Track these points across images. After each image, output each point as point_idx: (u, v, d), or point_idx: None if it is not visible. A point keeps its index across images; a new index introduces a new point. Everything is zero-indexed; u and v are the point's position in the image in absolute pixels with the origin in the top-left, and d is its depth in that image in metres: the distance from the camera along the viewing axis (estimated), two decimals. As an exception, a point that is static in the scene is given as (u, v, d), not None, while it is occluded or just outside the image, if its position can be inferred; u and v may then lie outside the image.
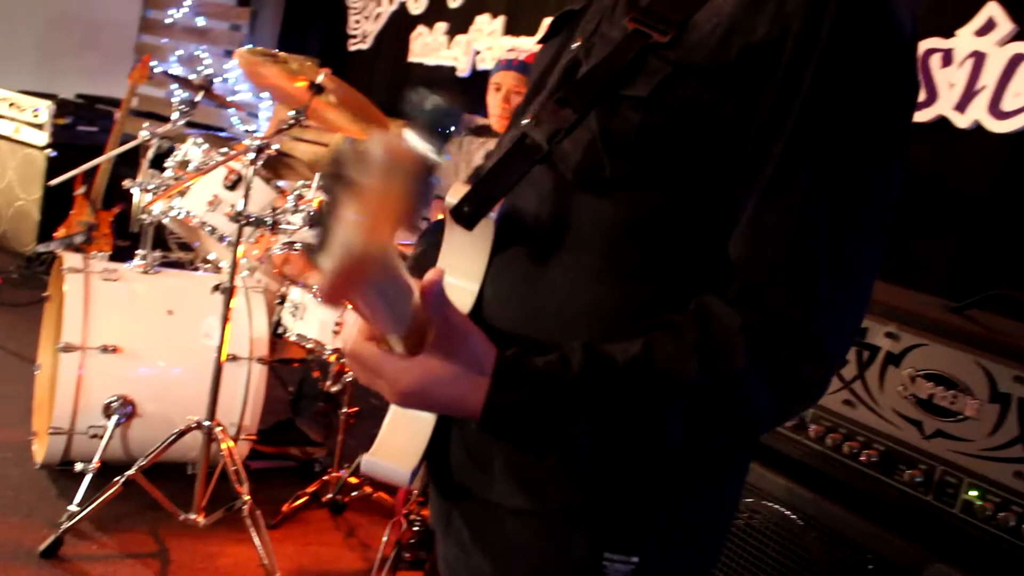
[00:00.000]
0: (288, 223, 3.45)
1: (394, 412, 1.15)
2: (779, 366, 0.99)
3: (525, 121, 1.18)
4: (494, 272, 1.17)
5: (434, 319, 0.95)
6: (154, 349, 3.56)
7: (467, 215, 1.12)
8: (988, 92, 3.04)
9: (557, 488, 1.12)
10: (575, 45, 1.21)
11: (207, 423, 3.20)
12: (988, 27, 3.06)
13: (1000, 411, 1.74)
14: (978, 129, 3.05)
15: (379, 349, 0.99)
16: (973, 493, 1.76)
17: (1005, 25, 3.01)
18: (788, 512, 2.02)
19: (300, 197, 3.51)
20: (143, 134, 3.89)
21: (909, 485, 1.86)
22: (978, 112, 3.05)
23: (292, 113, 3.45)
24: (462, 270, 1.17)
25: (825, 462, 2.03)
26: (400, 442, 1.13)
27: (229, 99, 4.64)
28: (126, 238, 5.68)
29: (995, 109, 3.01)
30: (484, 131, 4.74)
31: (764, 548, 2.05)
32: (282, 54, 3.57)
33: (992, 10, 3.05)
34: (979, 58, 3.06)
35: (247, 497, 3.18)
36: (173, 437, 3.25)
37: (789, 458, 2.10)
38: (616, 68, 1.07)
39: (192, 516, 3.19)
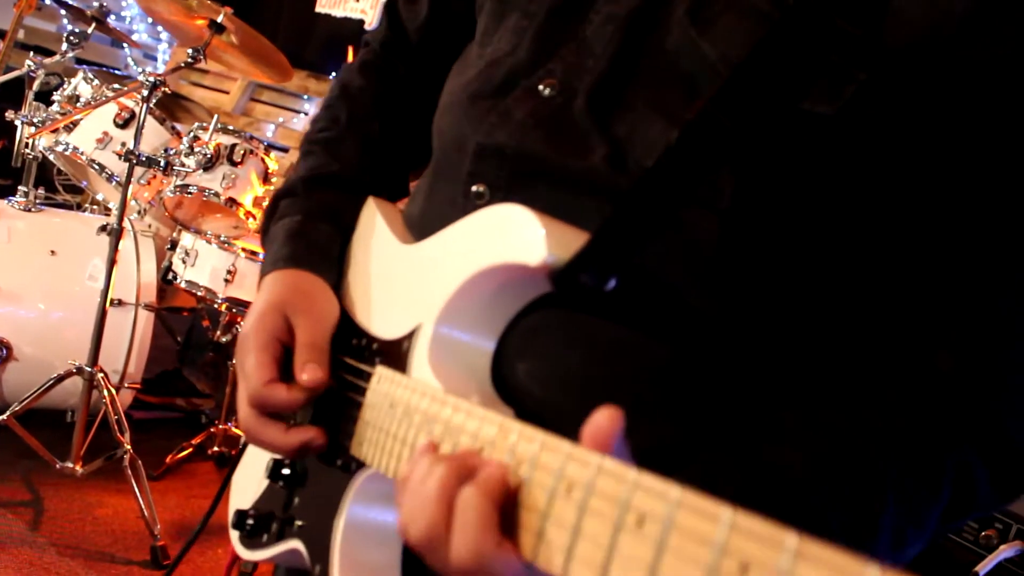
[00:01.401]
0: (182, 165, 3.32)
1: (347, 536, 0.91)
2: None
3: (545, 89, 0.88)
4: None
5: None
6: (34, 290, 3.39)
7: (581, 288, 0.80)
8: None
9: None
10: None
11: (88, 368, 3.07)
12: None
13: None
14: None
15: (520, 562, 0.64)
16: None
17: None
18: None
19: (196, 139, 3.39)
20: (28, 64, 3.68)
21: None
22: None
23: (190, 51, 3.32)
24: (474, 332, 0.90)
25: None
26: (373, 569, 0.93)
27: (127, 38, 4.43)
28: (7, 175, 5.41)
29: None
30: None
31: None
32: (182, -10, 3.42)
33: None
34: None
35: (128, 446, 3.07)
36: (51, 382, 3.10)
37: None
38: (782, 64, 0.77)
39: (69, 465, 3.06)
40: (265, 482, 1.06)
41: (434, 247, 0.92)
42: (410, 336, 0.89)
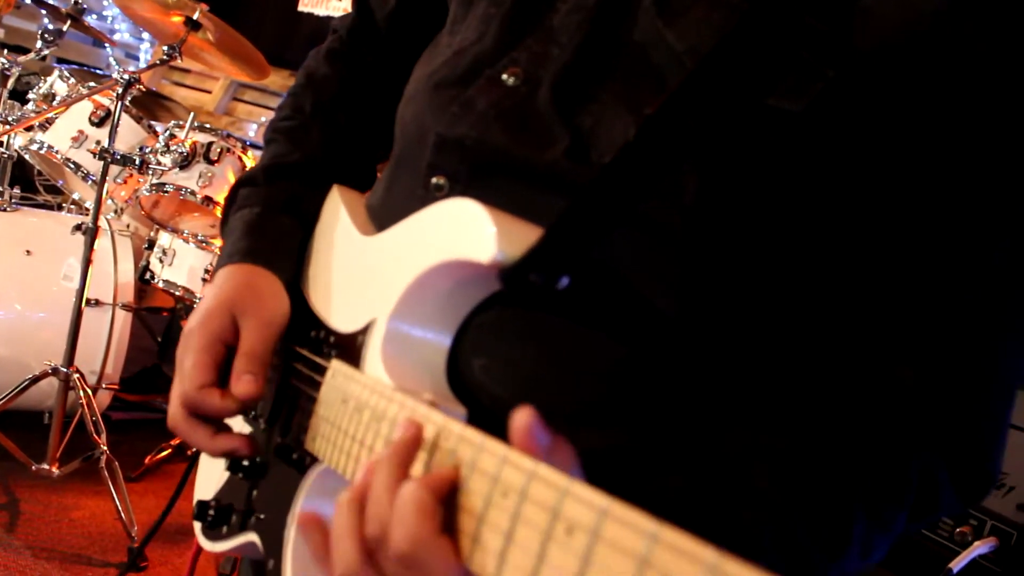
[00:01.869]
0: (158, 163, 3.29)
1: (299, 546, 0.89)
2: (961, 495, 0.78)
3: (509, 79, 0.86)
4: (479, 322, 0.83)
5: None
6: (9, 290, 3.36)
7: (530, 286, 0.81)
8: None
9: None
10: None
11: (64, 369, 3.04)
12: None
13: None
14: None
15: (459, 563, 0.62)
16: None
17: None
18: None
19: (172, 137, 3.36)
20: (2, 62, 3.65)
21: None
22: None
23: (166, 48, 3.29)
24: (427, 325, 0.89)
25: None
26: None
27: (105, 37, 4.40)
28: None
29: None
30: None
31: None
32: (158, -13, 3.39)
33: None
34: None
35: (104, 447, 3.04)
36: (26, 383, 3.07)
37: None
38: (750, 59, 0.74)
39: (45, 466, 3.02)
40: (226, 474, 1.05)
41: (390, 240, 0.91)
42: (364, 331, 0.87)
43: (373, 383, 0.81)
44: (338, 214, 1.04)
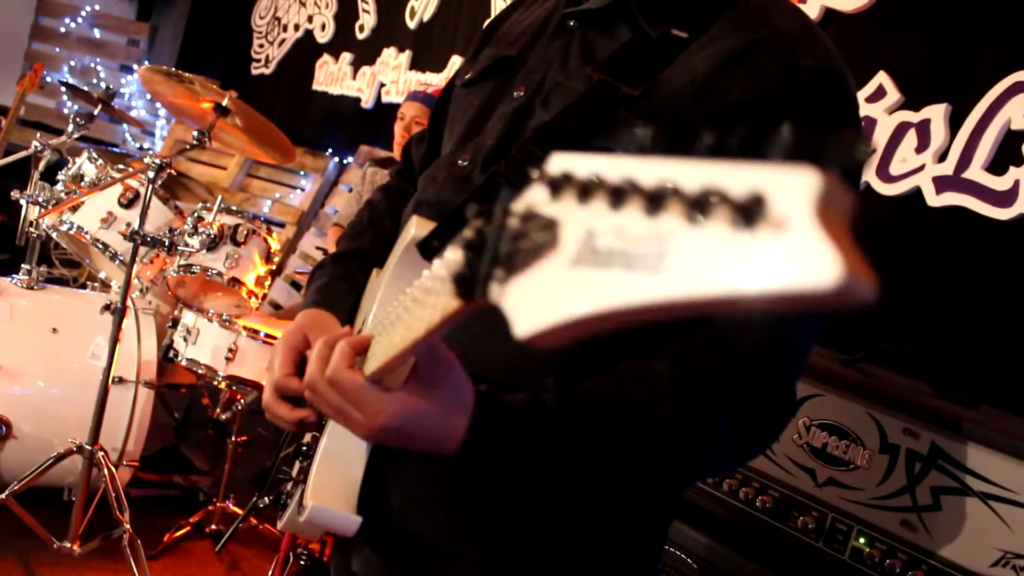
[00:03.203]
0: (186, 245, 3.37)
1: (324, 457, 1.16)
2: (747, 408, 1.04)
3: (462, 163, 1.27)
4: None
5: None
6: (35, 368, 3.41)
7: (436, 249, 1.12)
8: (876, 156, 3.20)
9: (513, 540, 1.14)
10: (518, 93, 1.26)
11: (89, 447, 3.08)
12: (878, 95, 3.23)
13: (889, 461, 1.82)
14: (867, 190, 3.21)
15: (362, 379, 0.96)
16: (862, 540, 1.83)
17: (893, 94, 3.19)
18: (682, 555, 2.07)
19: (200, 219, 3.44)
20: (35, 144, 3.75)
21: (802, 531, 1.92)
22: (867, 174, 3.21)
23: (196, 133, 3.39)
24: None
25: (721, 507, 2.08)
26: (337, 488, 1.12)
27: (131, 119, 4.52)
28: (5, 251, 5.45)
29: (883, 172, 3.17)
30: (388, 163, 4.77)
31: (656, 588, 2.08)
32: (187, 74, 3.51)
33: (882, 78, 3.22)
34: (869, 123, 3.23)
35: (127, 526, 3.06)
36: (51, 460, 3.10)
37: (687, 502, 2.15)
38: (585, 118, 1.12)
39: (67, 545, 3.04)
40: (297, 464, 1.35)
41: (384, 268, 1.31)
42: (364, 322, 1.26)
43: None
44: (371, 278, 1.45)
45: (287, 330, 1.32)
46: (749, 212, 0.42)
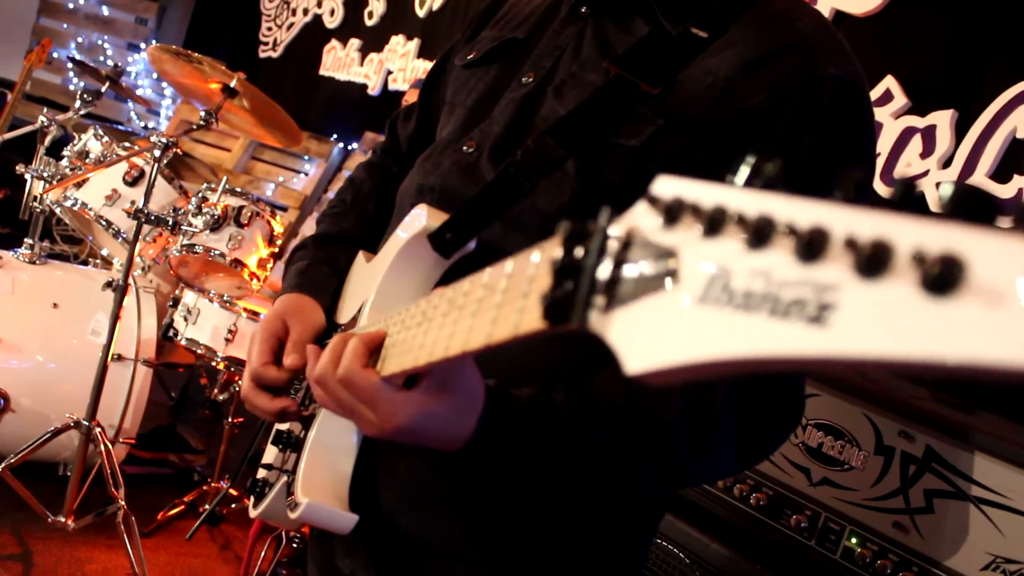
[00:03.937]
0: (189, 225, 3.38)
1: (314, 450, 1.13)
2: (755, 414, 1.04)
3: (468, 149, 1.22)
4: None
5: None
6: (35, 342, 3.42)
7: (448, 243, 1.11)
8: (881, 159, 3.21)
9: (507, 536, 1.13)
10: (527, 79, 1.23)
11: (86, 423, 3.08)
12: (885, 99, 3.23)
13: (884, 463, 1.83)
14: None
15: (377, 379, 0.93)
16: (854, 540, 1.84)
17: (900, 99, 3.19)
18: (675, 549, 2.08)
19: (204, 199, 3.45)
20: (42, 120, 3.75)
21: (794, 530, 1.93)
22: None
23: (203, 114, 3.39)
24: (403, 299, 1.15)
25: (715, 503, 2.09)
26: (327, 483, 1.10)
27: (138, 97, 4.52)
28: (7, 225, 5.46)
29: (887, 177, 3.18)
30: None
31: (647, 582, 2.10)
32: (196, 55, 3.51)
33: (889, 83, 3.23)
34: (876, 127, 3.24)
35: (122, 502, 3.07)
36: (48, 435, 3.11)
37: (681, 497, 2.16)
38: (603, 113, 1.10)
39: (61, 519, 3.05)
40: (272, 449, 1.30)
41: (380, 253, 1.27)
42: (358, 312, 1.20)
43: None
44: (359, 263, 1.40)
45: (265, 316, 1.29)
46: (943, 276, 0.38)
